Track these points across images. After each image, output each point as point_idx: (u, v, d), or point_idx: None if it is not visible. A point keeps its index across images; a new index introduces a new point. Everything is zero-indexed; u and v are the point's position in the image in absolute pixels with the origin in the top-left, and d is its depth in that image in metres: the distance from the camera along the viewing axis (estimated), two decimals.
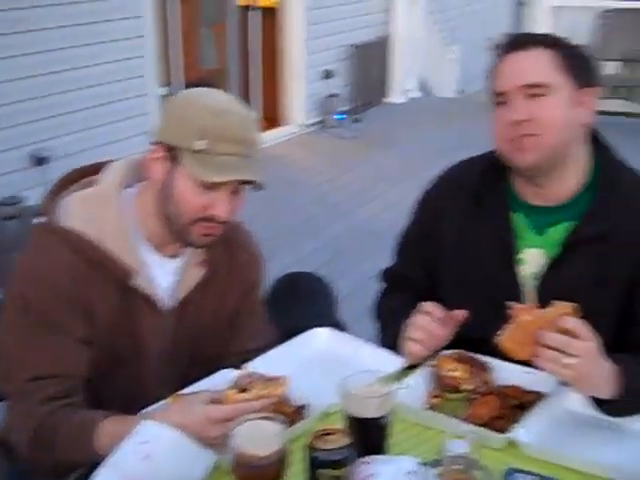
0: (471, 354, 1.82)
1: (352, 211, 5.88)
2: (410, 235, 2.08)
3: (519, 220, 1.89)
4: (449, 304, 1.82)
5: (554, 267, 1.84)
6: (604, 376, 1.64)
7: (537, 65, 1.79)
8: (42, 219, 1.76)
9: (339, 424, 1.52)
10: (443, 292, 1.95)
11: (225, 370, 1.78)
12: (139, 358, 1.79)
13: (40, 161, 5.25)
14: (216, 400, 1.55)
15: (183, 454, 1.49)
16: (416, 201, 2.07)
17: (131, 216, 1.75)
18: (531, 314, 1.63)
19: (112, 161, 1.81)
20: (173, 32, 6.53)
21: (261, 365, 1.77)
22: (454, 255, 1.95)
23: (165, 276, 1.79)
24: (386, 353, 1.89)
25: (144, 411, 1.62)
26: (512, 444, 1.60)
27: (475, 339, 1.79)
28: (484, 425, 1.64)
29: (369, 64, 8.54)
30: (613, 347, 1.69)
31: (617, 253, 1.79)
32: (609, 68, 8.27)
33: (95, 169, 1.80)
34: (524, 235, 1.89)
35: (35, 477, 1.74)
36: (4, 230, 4.43)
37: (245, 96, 7.38)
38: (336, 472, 1.39)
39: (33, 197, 4.48)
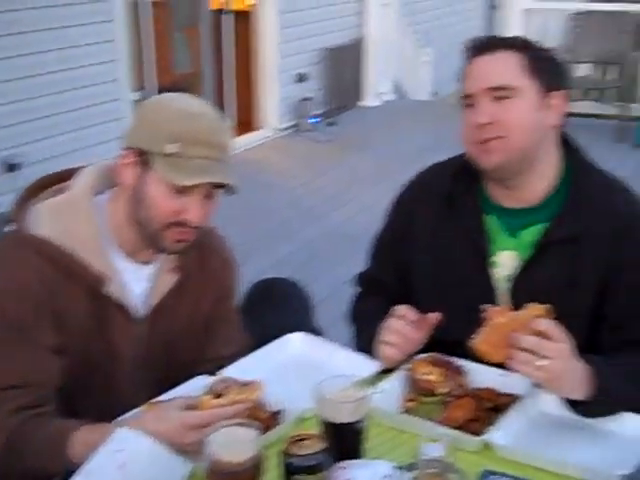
0: (446, 357, 1.82)
1: (327, 214, 5.88)
2: (383, 239, 2.08)
3: (492, 222, 1.90)
4: (423, 307, 1.83)
5: (527, 269, 1.85)
6: (577, 377, 1.65)
7: (503, 68, 1.80)
8: (11, 227, 1.74)
9: (314, 429, 1.52)
10: (417, 295, 1.96)
11: (200, 376, 1.77)
12: (113, 366, 1.78)
13: (12, 167, 5.19)
14: (191, 406, 1.55)
15: (158, 462, 1.49)
16: (389, 205, 2.07)
17: (103, 223, 1.74)
18: (504, 316, 1.64)
19: (83, 167, 1.80)
20: (145, 36, 6.50)
21: (236, 371, 1.77)
22: (427, 258, 1.96)
23: (138, 283, 1.78)
24: (361, 357, 1.90)
25: (119, 419, 1.60)
26: (487, 446, 1.61)
27: (450, 342, 1.80)
28: (459, 428, 1.64)
29: (343, 67, 8.54)
30: (586, 348, 1.71)
31: (588, 255, 1.80)
32: (581, 70, 8.33)
33: (65, 176, 1.79)
34: (497, 237, 1.89)
35: None
36: None
37: (219, 100, 7.36)
38: (312, 477, 1.39)
39: (4, 204, 4.43)
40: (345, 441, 1.52)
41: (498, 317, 1.64)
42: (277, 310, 2.30)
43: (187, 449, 1.51)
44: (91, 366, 1.75)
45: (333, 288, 4.18)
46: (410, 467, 1.46)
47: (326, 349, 1.97)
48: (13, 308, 1.65)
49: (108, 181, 1.77)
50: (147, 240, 1.73)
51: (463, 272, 1.91)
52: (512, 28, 8.21)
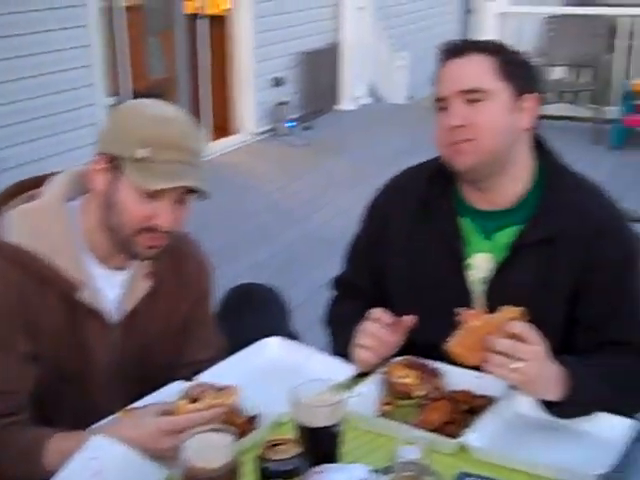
0: (422, 360, 1.83)
1: (303, 219, 5.88)
2: (358, 244, 2.08)
3: (467, 225, 1.91)
4: (399, 310, 1.83)
5: (501, 271, 1.85)
6: (552, 379, 1.66)
7: (475, 71, 1.81)
8: None
9: (291, 434, 1.52)
10: (393, 299, 1.96)
11: (176, 382, 1.77)
12: (87, 372, 1.77)
13: None
14: (167, 412, 1.55)
15: (134, 469, 1.48)
16: (364, 209, 2.08)
17: (75, 229, 1.73)
18: (479, 319, 1.65)
19: (54, 174, 1.79)
20: (120, 41, 6.47)
21: (212, 376, 1.76)
22: (402, 261, 1.96)
23: (111, 289, 1.77)
24: (337, 361, 1.89)
25: (94, 426, 1.59)
26: (463, 449, 1.61)
27: (426, 345, 1.80)
28: (435, 430, 1.65)
29: (319, 71, 8.55)
30: (561, 349, 1.72)
31: (562, 257, 1.81)
32: (556, 73, 8.39)
33: (37, 182, 1.78)
34: (472, 240, 1.90)
35: None
36: None
37: (195, 105, 7.34)
38: None
39: None
40: (321, 445, 1.52)
41: (473, 320, 1.64)
42: (254, 316, 2.29)
43: (162, 455, 1.50)
44: (65, 373, 1.74)
45: (310, 292, 4.18)
46: (386, 470, 1.47)
47: (302, 353, 1.97)
48: None
49: (80, 187, 1.76)
50: (119, 246, 1.72)
51: (438, 275, 1.91)
52: (487, 32, 8.24)
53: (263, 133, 7.97)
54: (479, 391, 1.76)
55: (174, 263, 1.86)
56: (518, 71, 1.84)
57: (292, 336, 2.18)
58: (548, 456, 1.59)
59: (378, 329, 1.80)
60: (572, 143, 7.01)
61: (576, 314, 1.83)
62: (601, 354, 1.78)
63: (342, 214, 5.62)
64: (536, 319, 1.64)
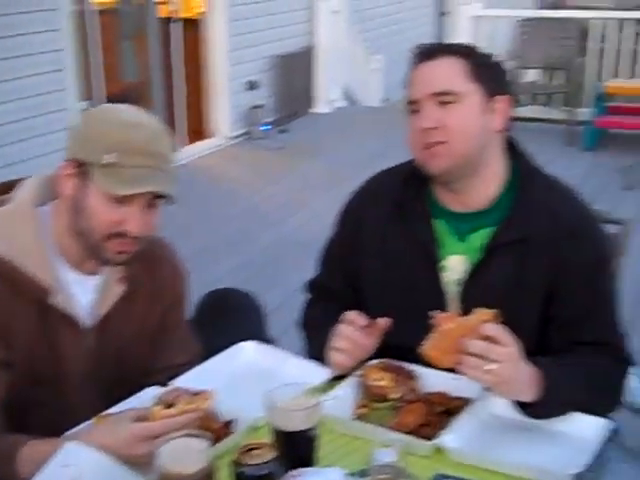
0: (397, 362, 1.83)
1: (279, 222, 5.88)
2: (332, 247, 2.08)
3: (441, 227, 1.91)
4: (374, 313, 1.83)
5: (476, 273, 1.86)
6: (526, 380, 1.67)
7: (447, 73, 1.82)
8: None
9: (267, 438, 1.51)
10: (368, 301, 1.96)
11: (151, 387, 1.76)
12: (61, 378, 1.75)
13: None
14: (142, 417, 1.54)
15: (109, 476, 1.47)
16: (338, 213, 2.08)
17: (47, 234, 1.72)
18: (453, 322, 1.65)
19: (24, 179, 1.78)
20: (93, 45, 6.43)
21: (187, 381, 1.75)
22: (377, 264, 1.96)
23: (85, 294, 1.76)
24: (312, 365, 1.89)
25: (68, 433, 1.58)
26: (439, 450, 1.62)
27: (401, 347, 1.80)
28: (411, 433, 1.65)
29: (293, 74, 8.55)
30: (535, 349, 1.73)
31: (535, 258, 1.82)
32: (529, 75, 8.45)
33: (7, 187, 1.77)
34: (446, 242, 1.91)
35: None
36: None
37: (169, 109, 7.32)
38: None
39: None
40: (297, 449, 1.52)
41: (447, 323, 1.65)
42: (229, 321, 2.29)
43: (138, 461, 1.49)
44: (39, 379, 1.72)
45: (286, 295, 4.18)
46: (362, 473, 1.47)
47: (278, 357, 1.97)
48: None
49: (50, 192, 1.75)
50: (89, 251, 1.71)
51: (413, 277, 1.91)
52: (461, 35, 8.29)
53: (238, 137, 7.96)
54: (455, 393, 1.76)
55: (148, 267, 1.85)
56: (489, 73, 1.85)
57: (268, 342, 2.17)
58: (523, 456, 1.60)
59: (353, 332, 1.80)
60: (546, 145, 7.08)
61: (550, 315, 1.84)
62: (574, 355, 1.79)
63: (318, 217, 5.62)
64: (510, 320, 1.65)
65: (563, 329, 1.83)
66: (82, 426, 1.61)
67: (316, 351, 1.91)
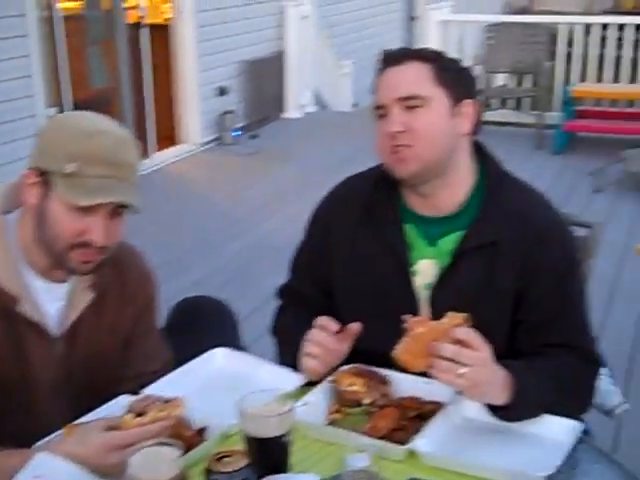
0: (369, 367, 1.83)
1: (252, 227, 5.87)
2: (302, 253, 2.08)
3: (411, 231, 1.92)
4: (346, 318, 1.82)
5: (445, 277, 1.87)
6: (497, 383, 1.67)
7: (413, 78, 1.83)
8: None
9: (240, 445, 1.51)
10: (339, 307, 1.96)
11: (122, 396, 1.74)
12: (30, 387, 1.74)
13: None
14: (113, 427, 1.52)
15: None
16: (307, 219, 2.07)
17: (13, 241, 1.70)
18: (425, 326, 1.65)
19: None
20: (60, 51, 6.39)
21: (159, 389, 1.74)
22: (347, 269, 1.96)
23: (52, 302, 1.74)
24: (285, 371, 1.89)
25: (38, 443, 1.57)
26: (412, 454, 1.62)
27: (374, 352, 1.80)
28: (384, 437, 1.65)
29: (264, 80, 8.55)
30: (506, 352, 1.74)
31: (504, 261, 1.83)
32: (498, 80, 8.50)
33: None
34: (416, 246, 1.91)
35: None
36: None
37: (139, 115, 7.28)
38: None
39: None
40: (270, 456, 1.51)
41: (418, 327, 1.65)
42: (202, 329, 2.27)
43: (109, 471, 1.48)
44: (7, 388, 1.71)
45: (259, 301, 4.17)
46: (336, 479, 1.46)
47: (250, 363, 1.96)
48: None
49: (16, 200, 1.73)
50: (54, 261, 1.70)
51: (384, 281, 1.92)
52: (430, 39, 8.33)
53: (209, 143, 7.94)
54: (427, 397, 1.76)
55: (117, 274, 1.84)
56: (455, 78, 1.86)
57: (241, 349, 2.16)
58: (496, 459, 1.60)
59: (324, 337, 1.80)
60: (516, 149, 7.14)
61: (519, 318, 1.85)
62: (545, 357, 1.80)
63: (291, 222, 5.61)
64: (481, 323, 1.66)
65: (533, 332, 1.84)
66: (52, 436, 1.59)
67: (288, 357, 1.90)
